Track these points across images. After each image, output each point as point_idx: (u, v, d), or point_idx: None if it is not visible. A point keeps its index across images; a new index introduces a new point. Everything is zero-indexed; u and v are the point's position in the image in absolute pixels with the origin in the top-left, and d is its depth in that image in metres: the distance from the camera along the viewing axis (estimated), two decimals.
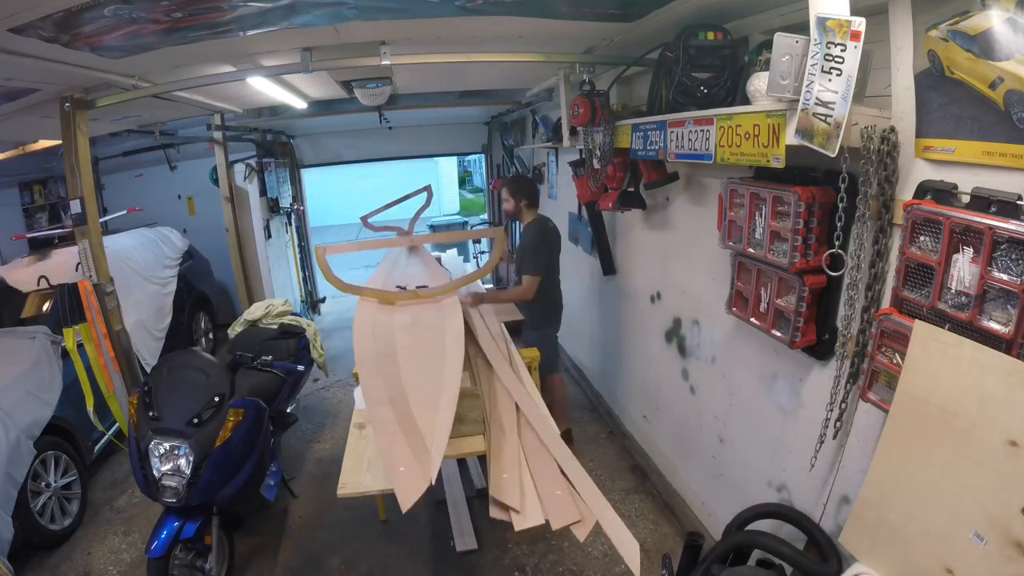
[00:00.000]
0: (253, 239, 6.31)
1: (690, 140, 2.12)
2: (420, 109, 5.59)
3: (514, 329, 3.94)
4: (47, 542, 3.17)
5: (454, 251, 7.23)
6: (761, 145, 1.72)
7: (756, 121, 1.73)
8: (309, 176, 7.99)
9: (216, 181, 6.13)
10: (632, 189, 3.14)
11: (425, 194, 4.65)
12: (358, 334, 2.60)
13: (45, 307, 3.90)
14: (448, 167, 15.61)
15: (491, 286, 3.68)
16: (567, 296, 5.27)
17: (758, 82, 1.83)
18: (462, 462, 3.73)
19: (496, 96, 5.41)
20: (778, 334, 2.05)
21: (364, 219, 4.62)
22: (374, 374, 2.27)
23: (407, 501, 1.72)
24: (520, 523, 1.94)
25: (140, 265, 4.90)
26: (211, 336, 6.10)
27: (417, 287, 3.12)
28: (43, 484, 3.19)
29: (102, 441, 3.81)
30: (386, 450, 1.91)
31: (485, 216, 8.79)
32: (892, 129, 1.57)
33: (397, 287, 3.18)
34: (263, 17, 2.21)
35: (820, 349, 1.98)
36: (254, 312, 4.27)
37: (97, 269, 3.47)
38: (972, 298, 1.38)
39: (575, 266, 4.98)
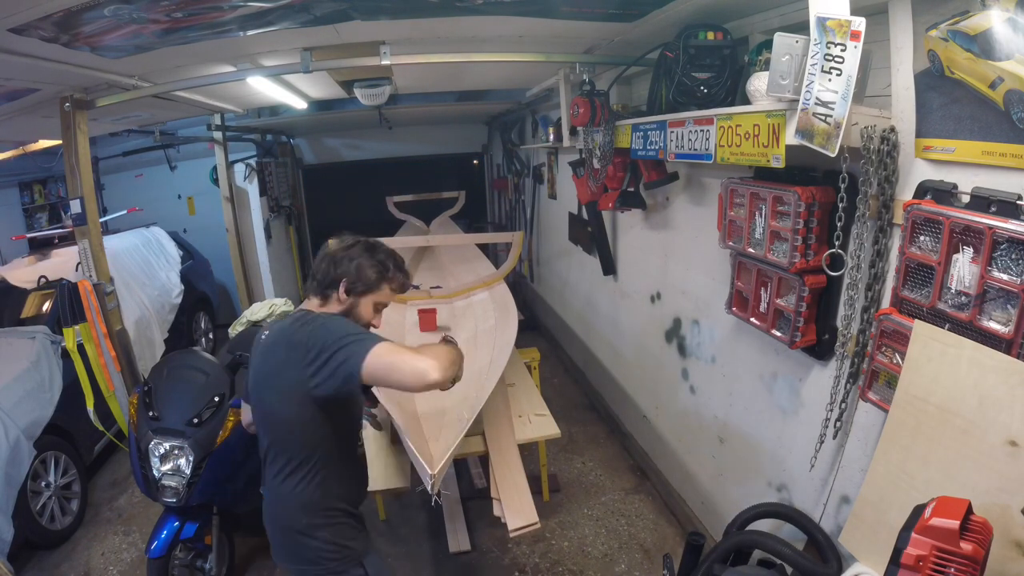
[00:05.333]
0: (253, 239, 6.32)
1: (690, 140, 2.12)
2: (420, 109, 5.59)
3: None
4: (47, 542, 3.17)
5: None
6: (761, 145, 1.72)
7: (756, 121, 1.73)
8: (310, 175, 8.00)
9: (216, 181, 6.13)
10: (632, 189, 3.14)
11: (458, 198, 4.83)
12: None
13: (45, 307, 3.90)
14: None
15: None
16: (569, 297, 5.27)
17: (758, 82, 1.83)
18: (460, 462, 3.73)
19: (496, 96, 5.41)
20: (778, 334, 2.05)
21: (390, 199, 4.74)
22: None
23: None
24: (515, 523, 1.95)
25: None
26: (211, 336, 6.10)
27: (431, 287, 3.11)
28: (43, 484, 3.19)
29: (102, 441, 3.81)
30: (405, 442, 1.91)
31: (487, 216, 8.79)
32: (892, 129, 1.57)
33: (411, 286, 3.17)
34: (263, 17, 2.21)
35: (820, 349, 1.98)
36: (256, 312, 4.26)
37: (97, 269, 3.48)
38: (972, 298, 1.38)
39: (575, 266, 4.98)
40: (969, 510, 1.16)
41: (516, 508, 2.07)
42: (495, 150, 7.98)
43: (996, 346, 1.33)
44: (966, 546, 1.11)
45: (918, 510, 1.22)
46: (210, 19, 2.18)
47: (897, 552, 1.16)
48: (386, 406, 2.01)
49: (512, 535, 2.05)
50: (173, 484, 2.39)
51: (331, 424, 1.56)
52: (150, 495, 2.46)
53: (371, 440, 2.60)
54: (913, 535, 1.15)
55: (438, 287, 3.11)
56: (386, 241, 3.59)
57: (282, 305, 4.34)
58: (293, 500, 1.58)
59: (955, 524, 1.12)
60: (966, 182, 1.43)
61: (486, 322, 2.69)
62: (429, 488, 1.76)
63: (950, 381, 1.41)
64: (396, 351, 1.42)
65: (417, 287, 3.14)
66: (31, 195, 6.72)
